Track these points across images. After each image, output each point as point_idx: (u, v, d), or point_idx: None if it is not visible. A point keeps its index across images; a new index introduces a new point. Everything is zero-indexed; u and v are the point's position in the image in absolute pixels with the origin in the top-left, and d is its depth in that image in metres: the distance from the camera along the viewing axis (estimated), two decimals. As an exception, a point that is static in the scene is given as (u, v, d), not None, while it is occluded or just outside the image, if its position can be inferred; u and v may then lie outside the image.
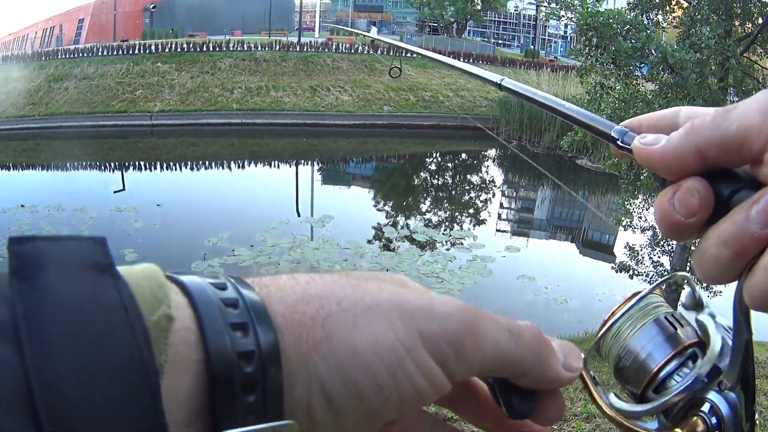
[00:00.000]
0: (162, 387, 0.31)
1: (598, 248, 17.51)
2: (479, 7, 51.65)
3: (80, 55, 31.11)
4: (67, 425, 0.28)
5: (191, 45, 31.00)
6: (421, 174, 24.34)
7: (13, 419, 0.28)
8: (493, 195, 21.45)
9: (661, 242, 12.96)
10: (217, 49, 30.65)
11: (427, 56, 2.07)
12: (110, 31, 43.61)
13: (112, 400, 0.29)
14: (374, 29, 39.01)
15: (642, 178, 10.95)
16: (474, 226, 16.96)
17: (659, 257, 13.22)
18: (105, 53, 30.64)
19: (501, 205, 20.92)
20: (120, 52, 30.56)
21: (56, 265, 0.32)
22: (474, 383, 0.49)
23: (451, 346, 0.40)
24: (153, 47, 30.81)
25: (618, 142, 0.50)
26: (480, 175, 24.36)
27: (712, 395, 0.49)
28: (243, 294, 0.37)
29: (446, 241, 14.45)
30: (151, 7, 50.01)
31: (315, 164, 24.60)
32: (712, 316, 0.52)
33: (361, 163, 26.08)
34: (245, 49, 30.85)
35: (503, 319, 0.44)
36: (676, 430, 0.49)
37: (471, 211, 19.01)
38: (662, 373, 0.51)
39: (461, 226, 16.66)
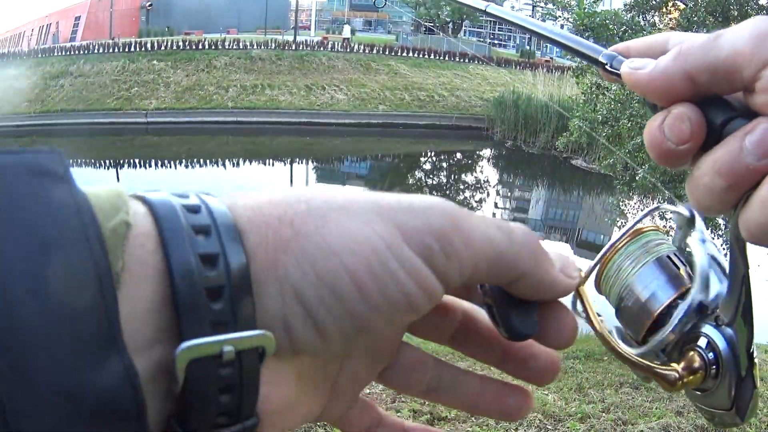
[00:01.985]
0: (120, 298, 0.29)
1: (593, 248, 17.48)
2: (475, 7, 51.54)
3: (77, 52, 30.91)
4: (13, 337, 0.26)
5: (187, 43, 30.93)
6: (416, 173, 24.26)
7: None
8: (488, 195, 21.43)
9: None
10: (213, 47, 30.57)
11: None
12: (107, 29, 43.52)
13: (62, 308, 0.27)
14: (347, 27, 38.99)
15: (637, 179, 10.93)
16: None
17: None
18: (101, 51, 30.49)
19: (495, 205, 20.88)
20: (116, 50, 30.44)
21: (3, 170, 0.29)
22: (474, 316, 0.46)
23: (438, 241, 0.36)
24: (149, 45, 30.68)
25: (607, 67, 0.49)
26: (475, 174, 24.33)
27: (708, 330, 0.47)
28: (206, 201, 0.34)
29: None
30: (148, 5, 49.88)
31: (310, 163, 24.55)
32: (703, 241, 0.50)
33: (356, 162, 26.04)
34: (241, 47, 30.78)
35: (490, 216, 0.40)
36: (673, 364, 0.47)
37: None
38: (667, 317, 0.49)
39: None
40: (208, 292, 0.31)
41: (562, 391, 4.72)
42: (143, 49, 30.49)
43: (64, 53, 31.10)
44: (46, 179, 0.29)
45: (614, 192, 14.60)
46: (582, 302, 0.49)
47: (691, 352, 0.48)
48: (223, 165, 23.32)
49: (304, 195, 0.36)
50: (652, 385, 4.80)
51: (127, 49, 30.42)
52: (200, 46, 30.59)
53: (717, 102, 0.42)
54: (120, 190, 0.33)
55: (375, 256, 0.34)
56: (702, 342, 0.47)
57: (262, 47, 31.13)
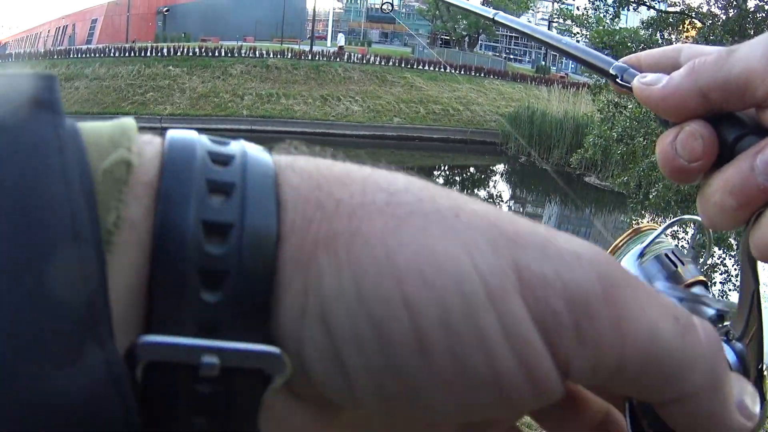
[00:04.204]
0: (108, 268, 0.22)
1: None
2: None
3: (92, 55, 31.18)
4: None
5: (203, 50, 31.02)
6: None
7: None
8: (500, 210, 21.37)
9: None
10: (229, 54, 30.65)
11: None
12: (123, 32, 43.73)
13: (22, 284, 0.20)
14: (341, 36, 39.26)
15: (651, 197, 10.87)
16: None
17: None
18: (117, 54, 30.67)
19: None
20: (132, 54, 30.62)
21: None
22: (618, 421, 0.35)
23: (573, 311, 0.25)
24: (165, 50, 30.86)
25: (617, 80, 0.48)
26: (488, 189, 24.28)
27: None
28: (247, 151, 0.26)
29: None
30: (165, 10, 50.15)
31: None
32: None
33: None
34: (257, 55, 30.85)
35: (665, 297, 0.28)
36: None
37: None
38: None
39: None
40: (204, 275, 0.23)
41: None
42: (159, 54, 30.70)
43: (79, 55, 31.37)
44: (26, 108, 0.23)
45: (627, 210, 14.53)
46: None
47: None
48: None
49: (394, 180, 0.26)
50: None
51: (143, 54, 30.60)
52: (216, 53, 30.68)
53: (729, 119, 0.42)
54: (128, 123, 0.25)
55: (461, 299, 0.23)
56: None
57: (279, 56, 31.19)
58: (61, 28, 52.22)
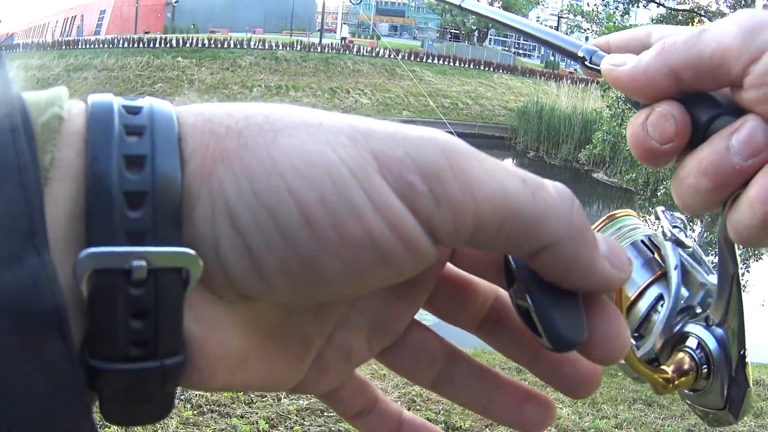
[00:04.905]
0: (46, 196, 0.26)
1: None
2: (501, 16, 51.42)
3: (101, 46, 31.32)
4: None
5: (212, 41, 31.09)
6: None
7: None
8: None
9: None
10: (238, 46, 30.72)
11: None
12: (132, 23, 43.80)
13: None
14: (345, 27, 39.27)
15: (659, 194, 10.88)
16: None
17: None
18: (126, 45, 30.77)
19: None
20: (141, 45, 30.68)
21: None
22: (505, 307, 0.38)
23: (425, 179, 0.29)
24: (174, 41, 30.95)
25: (586, 63, 0.47)
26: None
27: (698, 330, 0.47)
28: (152, 104, 0.30)
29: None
30: (174, 1, 50.22)
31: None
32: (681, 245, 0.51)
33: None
34: (266, 47, 30.90)
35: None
36: (663, 366, 0.47)
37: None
38: (641, 301, 0.49)
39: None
40: (128, 197, 0.27)
41: (575, 406, 4.70)
42: (168, 45, 30.80)
43: (88, 46, 31.53)
44: None
45: (635, 207, 14.53)
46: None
47: (681, 354, 0.47)
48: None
49: (267, 108, 0.31)
50: (665, 402, 4.80)
51: (151, 45, 30.70)
52: (225, 45, 30.75)
53: (702, 99, 0.41)
54: (62, 90, 0.30)
55: (331, 182, 0.28)
56: (692, 342, 0.47)
57: (288, 48, 31.26)
58: (70, 19, 52.35)
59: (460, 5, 0.70)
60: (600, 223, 0.53)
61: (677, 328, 0.48)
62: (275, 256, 0.28)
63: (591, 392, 0.38)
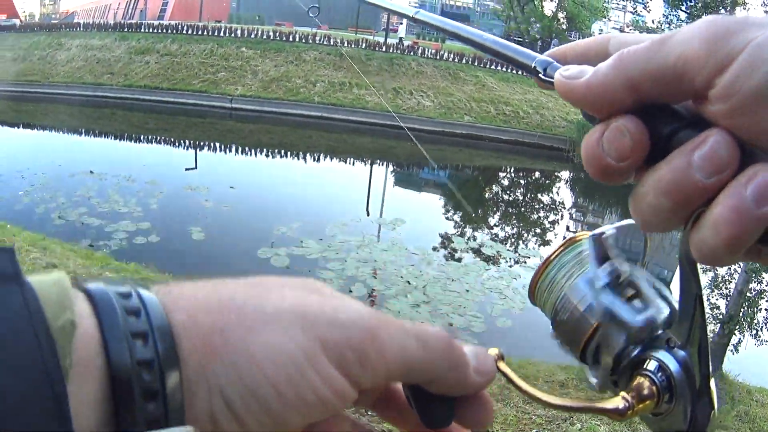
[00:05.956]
0: (69, 392, 0.31)
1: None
2: (564, 27, 51.14)
3: (164, 31, 31.46)
4: None
5: (277, 34, 31.04)
6: (494, 188, 23.91)
7: None
8: (562, 217, 21.03)
9: (721, 285, 12.48)
10: (303, 40, 30.55)
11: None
12: (196, 11, 44.20)
13: (16, 403, 0.29)
14: (401, 27, 39.08)
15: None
16: (540, 246, 16.50)
17: (716, 300, 12.71)
18: (189, 32, 30.82)
19: (567, 228, 20.55)
20: (205, 33, 30.74)
21: None
22: (394, 388, 0.48)
23: (354, 353, 0.38)
24: (239, 32, 30.93)
25: (540, 75, 0.45)
26: (551, 195, 23.87)
27: (660, 353, 0.45)
28: (146, 303, 0.36)
29: (511, 258, 14.08)
30: (241, -8, 50.59)
31: (389, 165, 24.19)
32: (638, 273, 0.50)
33: (435, 169, 25.95)
34: (331, 43, 30.66)
35: (410, 325, 0.42)
36: (622, 394, 0.45)
37: (538, 230, 18.62)
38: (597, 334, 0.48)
39: (527, 245, 16.26)
40: (143, 393, 0.33)
41: (612, 425, 4.60)
42: (232, 35, 30.76)
43: (151, 30, 31.67)
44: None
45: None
46: (506, 377, 0.48)
47: (640, 378, 0.46)
48: (304, 158, 22.99)
49: (236, 304, 0.38)
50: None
51: (216, 33, 30.71)
52: (290, 38, 30.62)
53: (662, 111, 0.39)
54: (66, 285, 0.34)
55: (294, 366, 0.37)
56: (651, 365, 0.46)
57: (353, 45, 31.11)
58: (133, 2, 52.97)
59: (413, 17, 0.68)
60: (560, 248, 0.51)
61: (634, 353, 0.47)
62: (255, 418, 0.36)
63: None
